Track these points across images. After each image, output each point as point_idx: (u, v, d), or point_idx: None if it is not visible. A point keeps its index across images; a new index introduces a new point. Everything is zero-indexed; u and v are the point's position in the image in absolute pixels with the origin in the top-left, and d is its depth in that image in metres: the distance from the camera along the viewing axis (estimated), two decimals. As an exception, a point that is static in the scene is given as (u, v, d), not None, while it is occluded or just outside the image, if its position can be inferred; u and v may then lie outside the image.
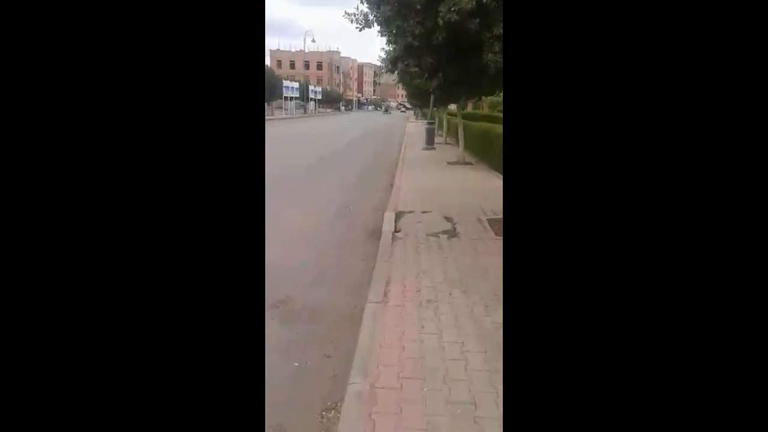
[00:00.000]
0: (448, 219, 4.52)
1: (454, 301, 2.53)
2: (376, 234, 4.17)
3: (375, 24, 4.78)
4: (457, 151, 9.95)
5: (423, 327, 2.21)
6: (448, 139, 14.32)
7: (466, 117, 17.61)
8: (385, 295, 2.59)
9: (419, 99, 15.19)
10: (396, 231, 4.09)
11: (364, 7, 4.67)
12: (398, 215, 4.68)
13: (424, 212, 4.81)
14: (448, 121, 14.87)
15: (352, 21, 4.94)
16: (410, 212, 4.82)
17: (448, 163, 9.17)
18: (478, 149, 9.86)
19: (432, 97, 11.83)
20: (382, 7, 4.37)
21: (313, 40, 38.07)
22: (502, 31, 3.42)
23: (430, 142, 11.99)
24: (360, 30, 4.94)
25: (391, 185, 6.75)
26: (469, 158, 9.47)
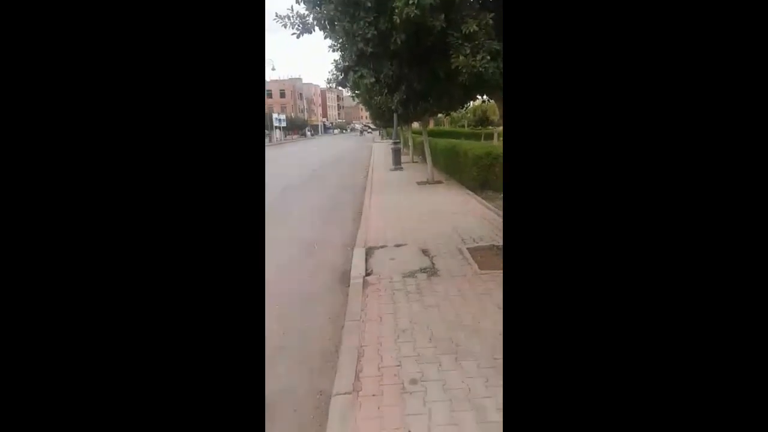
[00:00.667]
0: (425, 252, 4.01)
1: (446, 377, 1.97)
2: (345, 278, 3.60)
3: (316, 27, 3.82)
4: (426, 170, 9.60)
5: (410, 431, 1.63)
6: (414, 157, 14.06)
7: (431, 134, 17.54)
8: (357, 377, 2.00)
9: (382, 119, 14.90)
10: (367, 274, 3.53)
11: (301, 8, 3.72)
12: (369, 251, 4.13)
13: (397, 246, 4.28)
14: (413, 140, 14.64)
15: (286, 26, 3.93)
16: (382, 247, 4.28)
17: (418, 183, 8.77)
18: (445, 166, 9.54)
19: (395, 115, 11.53)
20: (322, 6, 3.53)
21: (273, 68, 37.63)
22: (472, 29, 2.81)
23: (397, 162, 11.62)
24: (298, 36, 3.90)
25: (361, 213, 6.22)
26: (438, 176, 9.12)
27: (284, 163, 16.77)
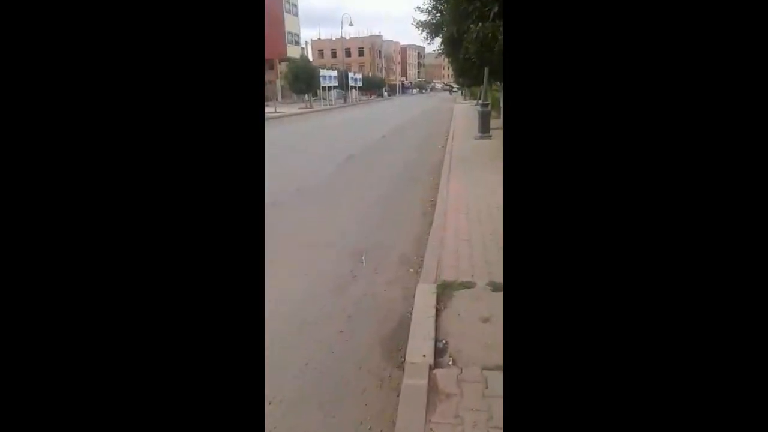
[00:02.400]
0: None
1: None
2: (395, 353, 2.00)
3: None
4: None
5: None
6: (506, 122, 11.60)
7: None
8: None
9: (468, 75, 12.49)
10: (437, 359, 1.86)
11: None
12: (443, 294, 2.44)
13: (491, 283, 2.51)
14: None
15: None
16: (466, 283, 2.55)
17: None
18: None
19: (486, 70, 9.19)
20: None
21: (351, 24, 35.84)
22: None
23: (484, 128, 9.40)
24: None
25: (433, 204, 4.48)
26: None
27: (351, 127, 15.31)
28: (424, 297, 2.43)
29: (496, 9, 2.46)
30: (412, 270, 3.02)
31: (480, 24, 2.79)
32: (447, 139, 9.97)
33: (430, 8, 6.63)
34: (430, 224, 3.87)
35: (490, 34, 2.60)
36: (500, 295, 2.38)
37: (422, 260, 3.08)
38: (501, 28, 2.64)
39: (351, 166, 7.23)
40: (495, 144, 8.52)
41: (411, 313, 2.33)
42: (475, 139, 9.31)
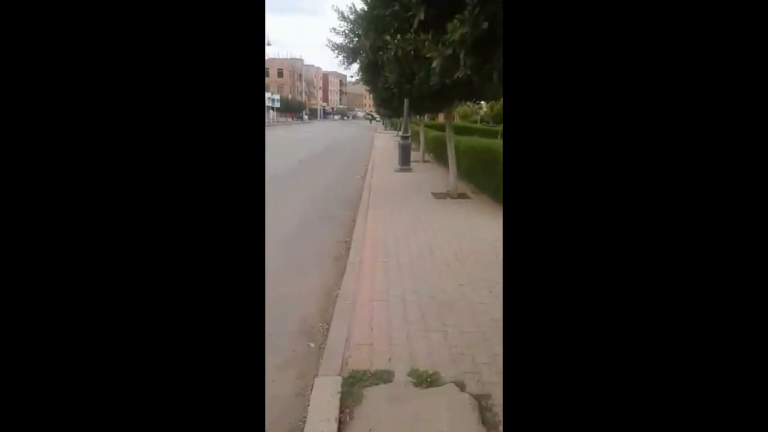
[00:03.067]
0: (483, 404, 1.66)
1: None
2: None
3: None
4: (440, 173, 7.24)
5: None
6: (426, 156, 11.60)
7: (431, 128, 15.03)
8: None
9: (389, 106, 12.45)
10: None
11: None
12: (350, 393, 1.76)
13: (414, 372, 1.90)
14: (426, 134, 12.14)
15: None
16: (382, 374, 1.90)
17: (435, 195, 6.37)
18: (469, 174, 7.16)
19: (406, 103, 9.08)
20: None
21: (269, 44, 34.75)
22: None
23: (405, 161, 9.18)
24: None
25: (349, 246, 3.85)
26: (461, 186, 6.73)
27: (268, 147, 14.24)
28: (324, 398, 1.73)
29: (421, 16, 1.98)
30: (313, 345, 2.31)
31: (398, 37, 2.32)
32: (366, 169, 9.56)
33: (346, 31, 6.21)
34: (343, 273, 3.22)
35: (411, 51, 2.14)
36: (426, 392, 1.79)
37: (327, 329, 2.39)
38: (426, 42, 2.15)
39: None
40: (415, 177, 8.29)
41: (303, 424, 1.61)
42: (396, 171, 9.03)
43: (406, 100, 8.61)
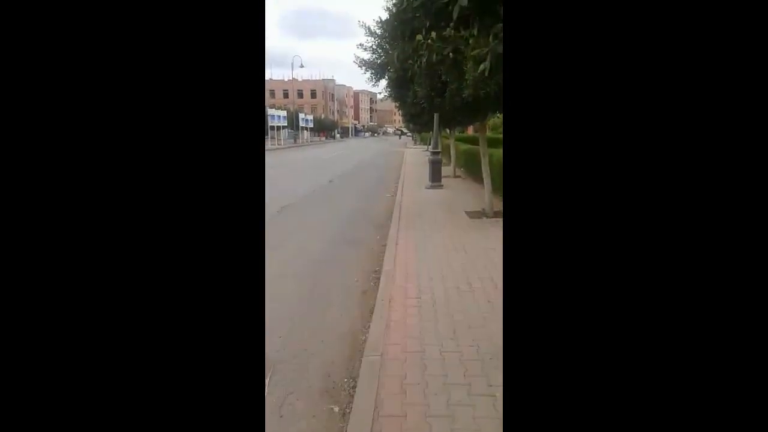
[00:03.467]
0: None
1: None
2: None
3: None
4: (473, 188, 6.78)
5: None
6: (457, 170, 11.15)
7: (460, 141, 14.51)
8: None
9: (418, 121, 12.17)
10: None
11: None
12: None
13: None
14: (457, 149, 11.72)
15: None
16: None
17: (469, 214, 5.93)
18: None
19: (436, 117, 8.75)
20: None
21: (302, 65, 35.76)
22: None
23: (436, 178, 8.80)
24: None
25: (377, 278, 3.50)
26: (498, 204, 6.26)
27: (299, 167, 14.31)
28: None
29: (464, 1, 1.61)
30: (337, 409, 1.96)
31: (432, 35, 1.96)
32: (396, 186, 9.25)
33: (374, 46, 5.99)
34: (371, 312, 2.86)
35: (449, 53, 1.81)
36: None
37: (353, 386, 2.03)
38: (469, 39, 1.78)
39: (282, 222, 6.13)
40: (447, 195, 7.87)
41: None
42: (426, 188, 8.66)
43: (435, 114, 8.30)
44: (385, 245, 4.50)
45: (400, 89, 5.95)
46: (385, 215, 6.30)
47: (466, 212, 6.07)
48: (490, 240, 4.55)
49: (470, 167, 10.85)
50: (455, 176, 10.71)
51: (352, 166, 15.43)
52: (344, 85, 72.63)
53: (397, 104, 8.37)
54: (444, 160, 10.83)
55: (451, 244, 4.43)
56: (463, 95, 4.57)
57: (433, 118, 8.77)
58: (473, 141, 18.34)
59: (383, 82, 6.84)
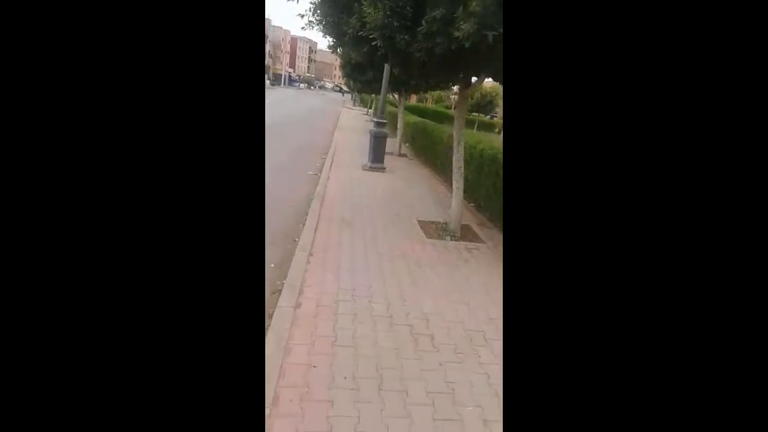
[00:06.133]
0: None
1: None
2: None
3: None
4: (424, 176, 4.87)
5: None
6: (402, 148, 9.07)
7: (421, 114, 12.53)
8: None
9: (359, 78, 9.74)
10: None
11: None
12: None
13: None
14: (404, 120, 9.51)
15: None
16: None
17: (424, 226, 3.93)
18: (475, 188, 4.81)
19: (385, 76, 6.46)
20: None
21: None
22: None
23: (377, 157, 6.62)
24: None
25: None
26: (471, 218, 4.34)
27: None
28: None
29: None
30: None
31: None
32: (324, 160, 6.95)
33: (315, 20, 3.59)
34: None
35: None
36: None
37: None
38: None
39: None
40: (391, 183, 5.80)
41: None
42: (364, 169, 6.50)
43: (387, 66, 6.02)
44: (281, 286, 2.34)
45: (335, 12, 3.57)
46: (296, 212, 4.07)
47: (419, 222, 4.08)
48: (467, 293, 2.63)
49: (419, 146, 8.86)
50: (400, 154, 8.66)
51: (276, 120, 12.48)
52: (281, 27, 65.21)
53: (336, 49, 5.92)
54: (390, 133, 8.48)
55: (401, 294, 2.43)
56: (455, 35, 2.46)
57: (383, 72, 6.49)
58: (421, 113, 16.15)
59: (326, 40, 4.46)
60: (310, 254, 2.94)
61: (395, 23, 2.96)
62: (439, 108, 25.20)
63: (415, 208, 4.61)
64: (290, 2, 4.09)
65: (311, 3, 3.92)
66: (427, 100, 30.09)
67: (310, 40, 77.17)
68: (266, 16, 64.65)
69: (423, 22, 2.78)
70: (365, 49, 3.52)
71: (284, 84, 57.75)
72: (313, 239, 3.22)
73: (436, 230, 3.86)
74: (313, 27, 3.98)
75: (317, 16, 3.92)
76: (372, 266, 2.90)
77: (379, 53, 3.44)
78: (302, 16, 3.95)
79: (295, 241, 3.28)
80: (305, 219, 3.79)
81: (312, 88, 65.92)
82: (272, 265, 2.84)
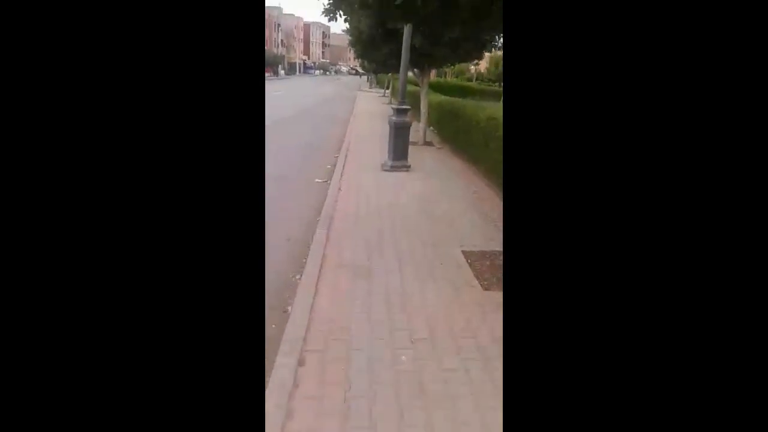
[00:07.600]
0: None
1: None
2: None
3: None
4: (467, 177, 3.65)
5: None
6: (427, 135, 7.69)
7: (443, 90, 10.97)
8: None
9: (372, 56, 8.40)
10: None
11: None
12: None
13: None
14: (428, 103, 8.04)
15: None
16: None
17: (472, 261, 2.72)
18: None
19: (403, 54, 5.13)
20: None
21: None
22: None
23: (399, 154, 5.34)
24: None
25: None
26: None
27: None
28: None
29: None
30: None
31: None
32: (336, 161, 5.78)
33: None
34: None
35: None
36: None
37: None
38: None
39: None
40: (418, 188, 4.54)
41: None
42: (384, 169, 5.27)
43: (405, 37, 4.73)
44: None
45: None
46: (289, 259, 2.95)
47: (464, 254, 2.86)
48: None
49: (446, 132, 7.48)
50: (425, 143, 7.35)
51: (289, 114, 11.36)
52: (293, 15, 63.51)
53: (349, 30, 4.64)
54: (412, 116, 6.98)
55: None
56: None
57: (391, 50, 5.20)
58: (441, 89, 14.20)
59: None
60: (300, 362, 1.78)
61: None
62: (461, 81, 23.11)
63: (455, 228, 3.39)
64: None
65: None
66: (446, 74, 27.95)
67: (323, 25, 75.12)
68: (277, 4, 62.84)
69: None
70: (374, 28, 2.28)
71: (299, 72, 56.62)
72: (310, 317, 2.08)
73: (491, 269, 2.63)
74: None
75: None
76: (405, 385, 1.73)
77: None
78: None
79: (285, 312, 2.17)
80: (304, 263, 2.67)
81: (328, 73, 64.49)
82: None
